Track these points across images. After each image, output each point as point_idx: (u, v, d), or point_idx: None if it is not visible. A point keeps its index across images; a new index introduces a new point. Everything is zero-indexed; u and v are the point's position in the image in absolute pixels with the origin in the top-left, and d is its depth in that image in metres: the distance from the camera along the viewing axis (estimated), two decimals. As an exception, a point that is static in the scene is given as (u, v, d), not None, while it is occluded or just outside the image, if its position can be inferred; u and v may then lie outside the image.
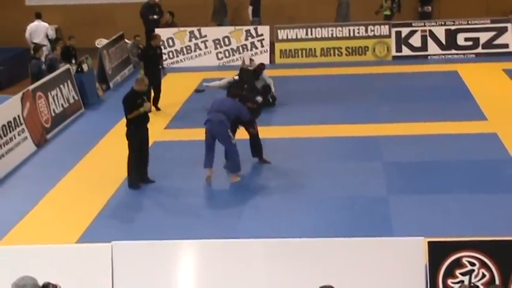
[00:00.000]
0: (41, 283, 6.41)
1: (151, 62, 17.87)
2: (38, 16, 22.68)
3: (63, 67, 18.63)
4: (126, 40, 23.07)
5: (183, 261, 8.93)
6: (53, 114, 16.93)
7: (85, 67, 19.15)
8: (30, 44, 21.61)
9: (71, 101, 18.06)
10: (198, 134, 15.28)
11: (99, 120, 17.70)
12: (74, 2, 26.56)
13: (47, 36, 22.34)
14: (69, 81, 18.20)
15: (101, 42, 22.09)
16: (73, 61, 19.73)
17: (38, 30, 22.38)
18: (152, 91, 17.62)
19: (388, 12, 24.11)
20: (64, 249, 9.27)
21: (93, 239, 10.70)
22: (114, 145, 15.73)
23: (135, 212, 12.35)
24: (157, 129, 15.95)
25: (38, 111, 16.30)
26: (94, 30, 24.24)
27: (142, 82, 13.38)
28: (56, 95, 17.39)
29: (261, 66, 18.04)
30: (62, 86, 17.79)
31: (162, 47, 23.06)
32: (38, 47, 19.40)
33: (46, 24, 22.62)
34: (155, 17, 24.03)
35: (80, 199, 12.92)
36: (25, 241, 10.83)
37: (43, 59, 19.14)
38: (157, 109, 17.77)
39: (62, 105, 17.54)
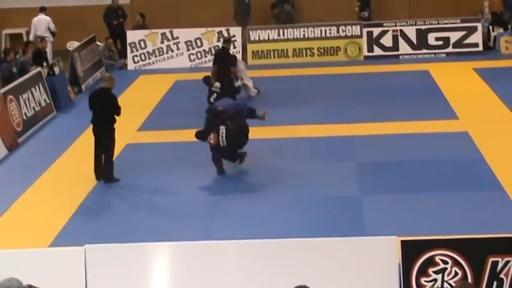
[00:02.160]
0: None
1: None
2: (42, 10, 23.45)
3: (35, 70, 18.52)
4: (98, 42, 22.98)
5: (157, 264, 8.91)
6: (24, 117, 16.82)
7: (56, 70, 19.05)
8: (34, 38, 22.53)
9: (43, 104, 17.95)
10: (171, 136, 15.33)
11: (71, 123, 17.60)
12: (44, 5, 26.37)
13: (49, 29, 23.07)
14: (40, 84, 18.10)
15: (72, 45, 21.99)
16: (44, 64, 19.62)
17: (41, 24, 23.16)
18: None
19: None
20: (37, 253, 9.21)
21: (66, 242, 10.64)
22: (87, 148, 15.63)
23: (109, 215, 12.31)
24: (129, 132, 15.91)
25: (9, 114, 16.19)
26: (65, 33, 24.11)
27: (111, 79, 13.61)
28: (28, 98, 17.28)
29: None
30: (33, 89, 17.68)
31: (134, 49, 23.11)
32: (8, 50, 19.30)
33: (48, 18, 23.28)
34: (120, 20, 23.92)
35: (52, 202, 12.85)
36: (-3, 246, 10.75)
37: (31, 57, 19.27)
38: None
39: (34, 108, 17.44)
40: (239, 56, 22.37)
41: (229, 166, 14.00)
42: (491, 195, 12.22)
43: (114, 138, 13.45)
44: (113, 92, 13.63)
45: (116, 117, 13.37)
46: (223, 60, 17.62)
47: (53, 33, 23.25)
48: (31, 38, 22.89)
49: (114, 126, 13.42)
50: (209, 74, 17.72)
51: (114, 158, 13.84)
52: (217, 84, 17.18)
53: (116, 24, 23.83)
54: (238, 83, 17.71)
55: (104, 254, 8.88)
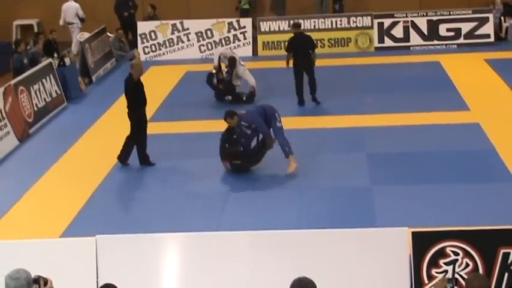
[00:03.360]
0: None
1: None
2: None
3: (45, 61, 18.55)
4: (108, 33, 22.99)
5: (167, 254, 8.93)
6: (35, 108, 16.86)
7: (67, 61, 19.07)
8: (64, 24, 23.29)
9: (54, 95, 17.98)
10: (182, 127, 15.33)
11: (82, 114, 17.64)
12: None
13: (77, 15, 23.35)
14: (51, 75, 18.12)
15: (82, 36, 22.02)
16: (55, 55, 19.65)
17: (69, 10, 23.48)
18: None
19: (247, 6, 24.51)
20: (48, 243, 9.25)
21: (78, 233, 10.67)
22: (97, 139, 15.71)
23: (119, 206, 12.34)
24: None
25: (21, 105, 16.23)
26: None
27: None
28: (38, 89, 17.31)
29: (231, 61, 17.76)
30: (44, 80, 17.71)
31: (145, 40, 23.12)
32: (19, 41, 19.34)
33: (76, 4, 23.55)
34: (130, 11, 23.95)
35: (63, 193, 12.89)
36: (9, 236, 10.79)
37: (37, 49, 19.31)
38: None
39: (45, 99, 17.48)
40: (247, 48, 22.41)
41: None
42: (503, 186, 12.19)
43: None
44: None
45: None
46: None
47: (81, 20, 23.51)
48: (61, 23, 23.32)
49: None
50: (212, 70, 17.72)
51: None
52: (229, 97, 17.35)
53: (126, 16, 23.85)
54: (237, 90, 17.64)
55: (115, 245, 8.90)
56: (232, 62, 17.63)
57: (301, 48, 17.16)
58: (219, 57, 17.84)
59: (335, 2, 24.56)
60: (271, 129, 13.22)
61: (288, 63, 17.40)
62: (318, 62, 17.63)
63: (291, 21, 22.96)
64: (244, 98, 17.54)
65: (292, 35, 17.85)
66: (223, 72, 17.71)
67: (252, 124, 13.13)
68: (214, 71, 17.73)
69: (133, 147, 13.81)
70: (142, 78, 13.92)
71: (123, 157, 13.83)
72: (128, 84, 13.70)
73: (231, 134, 13.21)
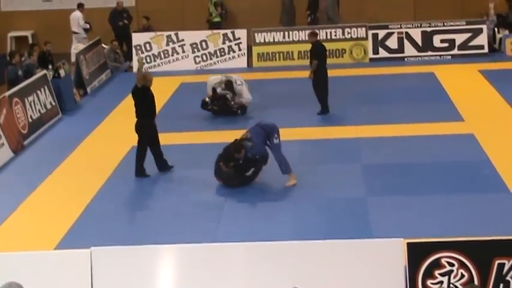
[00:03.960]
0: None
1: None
2: (78, 6, 24.08)
3: (40, 73, 18.54)
4: (103, 45, 23.00)
5: (163, 266, 8.90)
6: (30, 120, 16.84)
7: (62, 72, 19.06)
8: (73, 32, 23.81)
9: (48, 106, 17.97)
10: (177, 138, 15.32)
11: (76, 126, 17.62)
12: (50, 7, 26.44)
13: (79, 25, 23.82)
14: (46, 87, 18.11)
15: (78, 47, 22.03)
16: (50, 66, 19.65)
17: (73, 20, 23.95)
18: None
19: (218, 19, 24.55)
20: (43, 255, 9.21)
21: (72, 245, 10.64)
22: (92, 150, 15.69)
23: (114, 217, 12.30)
24: (135, 134, 15.88)
25: (15, 117, 16.21)
26: (71, 36, 24.15)
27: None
28: (33, 100, 17.30)
29: (228, 85, 17.68)
30: (38, 91, 17.70)
31: (140, 52, 23.14)
32: (13, 52, 19.34)
33: (78, 14, 23.89)
34: (125, 22, 23.99)
35: (58, 205, 12.86)
36: (3, 248, 10.74)
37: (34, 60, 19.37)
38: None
39: (39, 111, 17.46)
40: (241, 60, 22.44)
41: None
42: (497, 197, 12.20)
43: None
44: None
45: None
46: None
47: (85, 30, 23.78)
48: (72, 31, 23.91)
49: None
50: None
51: (121, 160, 13.79)
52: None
53: (121, 26, 23.87)
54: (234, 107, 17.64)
55: (110, 257, 8.88)
56: (229, 85, 17.62)
57: (324, 56, 17.23)
58: (213, 88, 17.75)
59: (309, 14, 24.56)
60: (269, 145, 13.20)
61: (312, 73, 17.13)
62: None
63: (286, 33, 23.10)
64: (239, 112, 17.52)
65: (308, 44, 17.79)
66: (218, 93, 17.64)
67: (256, 155, 13.13)
68: (208, 100, 17.67)
69: (142, 159, 13.86)
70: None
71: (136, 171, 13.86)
72: (132, 91, 13.75)
73: (230, 153, 13.14)
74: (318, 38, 17.99)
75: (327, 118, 17.07)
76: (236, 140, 13.20)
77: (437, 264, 8.55)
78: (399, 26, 22.97)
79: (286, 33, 23.18)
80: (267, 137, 13.21)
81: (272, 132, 13.24)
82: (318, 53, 17.16)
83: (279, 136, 13.25)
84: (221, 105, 17.46)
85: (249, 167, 13.22)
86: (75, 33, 23.73)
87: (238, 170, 13.09)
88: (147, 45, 23.22)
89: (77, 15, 23.89)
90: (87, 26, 23.90)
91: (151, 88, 13.77)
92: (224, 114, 17.34)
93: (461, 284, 8.51)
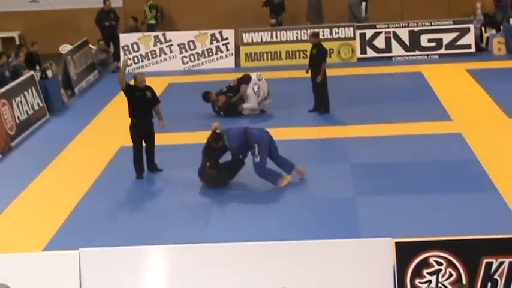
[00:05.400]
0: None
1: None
2: (104, 3, 24.03)
3: (27, 74, 18.48)
4: (91, 45, 22.95)
5: (151, 268, 8.90)
6: (17, 121, 16.79)
7: (49, 73, 19.01)
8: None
9: (36, 107, 17.91)
10: (164, 139, 15.26)
11: (64, 127, 17.58)
12: (37, 8, 26.37)
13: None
14: (33, 88, 18.06)
15: (65, 48, 21.97)
16: (37, 67, 19.59)
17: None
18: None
19: (153, 22, 24.67)
20: (30, 257, 9.19)
21: (60, 246, 10.62)
22: (80, 151, 15.66)
23: (103, 219, 12.28)
24: (123, 134, 15.86)
25: (2, 118, 16.15)
26: (58, 36, 24.09)
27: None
28: (20, 101, 17.24)
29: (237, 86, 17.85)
30: (26, 92, 17.64)
31: (127, 52, 23.10)
32: (0, 54, 19.26)
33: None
34: (112, 23, 23.96)
35: (46, 206, 12.82)
36: (-9, 250, 10.72)
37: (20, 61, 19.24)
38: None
39: (27, 112, 17.41)
40: (229, 60, 22.46)
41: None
42: (485, 196, 12.24)
43: None
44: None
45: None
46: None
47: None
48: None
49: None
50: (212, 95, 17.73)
51: (109, 161, 13.79)
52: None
53: (107, 26, 23.83)
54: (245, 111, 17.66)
55: (99, 258, 8.87)
56: (246, 79, 17.76)
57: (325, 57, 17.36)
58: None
59: (273, 16, 24.58)
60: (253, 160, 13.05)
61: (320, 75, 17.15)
62: (300, 74, 17.67)
63: (274, 33, 23.10)
64: (221, 112, 17.57)
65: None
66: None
67: (233, 151, 13.12)
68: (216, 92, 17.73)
69: (138, 161, 13.84)
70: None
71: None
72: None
73: (213, 150, 13.15)
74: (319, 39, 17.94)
75: (315, 118, 17.10)
76: (215, 131, 13.22)
77: (425, 263, 8.57)
78: (387, 25, 23.01)
79: (274, 33, 23.19)
80: (247, 145, 13.02)
81: (252, 145, 12.91)
82: (323, 55, 17.22)
83: (261, 152, 12.88)
84: (229, 108, 17.50)
85: (231, 167, 13.20)
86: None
87: (220, 172, 13.07)
88: (135, 46, 23.18)
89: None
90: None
91: (148, 89, 13.82)
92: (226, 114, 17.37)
93: (449, 283, 8.54)
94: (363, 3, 24.17)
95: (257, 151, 12.89)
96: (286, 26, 23.67)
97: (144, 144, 13.82)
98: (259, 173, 13.00)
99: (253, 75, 17.83)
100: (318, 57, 17.23)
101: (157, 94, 14.44)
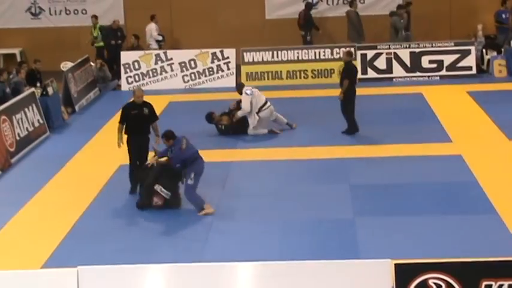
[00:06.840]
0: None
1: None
2: (151, 18, 24.27)
3: (28, 90, 18.51)
4: (92, 63, 23.00)
5: (150, 286, 8.87)
6: (17, 138, 16.79)
7: (50, 90, 19.04)
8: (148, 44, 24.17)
9: (36, 124, 17.92)
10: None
11: (64, 144, 17.59)
12: (39, 25, 26.46)
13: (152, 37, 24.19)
14: (34, 105, 18.08)
15: (66, 66, 22.01)
16: (38, 84, 19.62)
17: (147, 32, 24.27)
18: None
19: (101, 44, 24.46)
20: (29, 274, 9.17)
21: (59, 264, 10.60)
22: (80, 169, 15.65)
23: (102, 236, 12.25)
24: (123, 152, 15.86)
25: (2, 135, 16.16)
26: (59, 53, 24.14)
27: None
28: (21, 118, 17.26)
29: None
30: (26, 109, 17.66)
31: (128, 70, 23.14)
32: (1, 70, 19.30)
33: (153, 26, 24.22)
34: (119, 41, 24.03)
35: (45, 223, 12.81)
36: (-11, 267, 10.69)
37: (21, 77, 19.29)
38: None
39: (27, 128, 17.41)
40: (230, 79, 22.48)
41: (220, 188, 14.00)
42: (485, 218, 12.22)
43: None
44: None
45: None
46: None
47: (158, 42, 24.14)
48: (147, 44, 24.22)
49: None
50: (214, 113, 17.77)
51: (108, 178, 13.88)
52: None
53: (113, 44, 23.89)
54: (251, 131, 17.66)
55: (97, 276, 8.85)
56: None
57: (355, 77, 17.40)
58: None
59: (306, 34, 24.60)
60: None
61: (343, 93, 17.12)
62: (301, 93, 17.67)
63: (275, 52, 23.15)
64: (222, 127, 17.56)
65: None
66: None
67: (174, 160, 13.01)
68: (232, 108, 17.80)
69: (132, 175, 13.91)
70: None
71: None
72: None
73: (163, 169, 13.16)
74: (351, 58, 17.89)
75: (314, 138, 17.08)
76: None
77: (424, 285, 8.55)
78: (388, 46, 23.07)
79: (275, 52, 23.24)
80: (186, 161, 12.87)
81: (190, 171, 12.78)
82: (351, 74, 17.22)
83: (193, 176, 12.74)
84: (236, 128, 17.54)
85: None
86: (149, 44, 24.15)
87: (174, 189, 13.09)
88: (136, 64, 23.22)
89: (149, 26, 24.30)
90: (160, 37, 24.23)
91: (145, 105, 13.93)
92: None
93: (448, 306, 8.51)
94: (402, 21, 24.06)
95: (192, 174, 12.77)
96: (286, 46, 23.55)
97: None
98: (189, 196, 12.88)
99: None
100: (343, 75, 17.25)
101: (158, 112, 14.47)
